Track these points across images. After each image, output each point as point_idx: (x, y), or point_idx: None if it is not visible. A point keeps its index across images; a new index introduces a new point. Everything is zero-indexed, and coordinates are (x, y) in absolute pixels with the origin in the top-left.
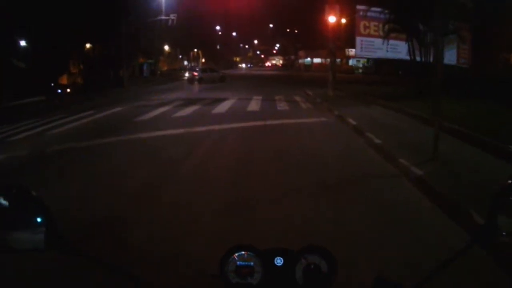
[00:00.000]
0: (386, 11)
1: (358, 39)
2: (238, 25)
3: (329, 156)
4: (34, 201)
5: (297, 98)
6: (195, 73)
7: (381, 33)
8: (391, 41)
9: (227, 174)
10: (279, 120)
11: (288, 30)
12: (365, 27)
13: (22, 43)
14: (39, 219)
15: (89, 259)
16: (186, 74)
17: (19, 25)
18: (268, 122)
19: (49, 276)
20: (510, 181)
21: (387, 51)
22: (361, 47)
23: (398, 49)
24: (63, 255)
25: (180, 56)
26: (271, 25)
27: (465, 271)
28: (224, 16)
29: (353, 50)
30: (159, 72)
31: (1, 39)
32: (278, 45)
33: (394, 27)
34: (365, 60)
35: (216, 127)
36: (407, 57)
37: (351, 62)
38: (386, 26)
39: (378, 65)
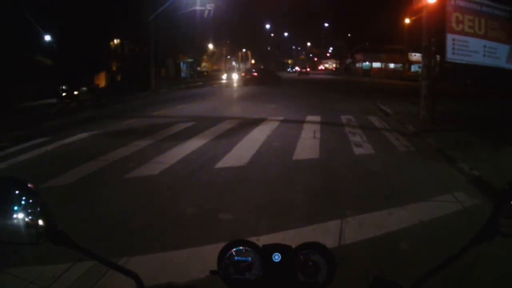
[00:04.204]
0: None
1: (449, 37)
2: (290, 26)
3: None
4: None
5: (375, 122)
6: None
7: (477, 30)
8: (489, 43)
9: None
10: (376, 225)
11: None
12: (458, 22)
13: (47, 37)
14: (16, 207)
15: (86, 253)
16: (224, 76)
17: (42, 17)
18: (355, 249)
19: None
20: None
21: (484, 55)
22: (453, 49)
23: (497, 54)
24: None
25: (229, 57)
26: (326, 24)
27: None
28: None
29: (416, 54)
30: (205, 73)
31: (24, 33)
32: (331, 48)
33: None
34: None
35: None
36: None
37: (413, 68)
38: None
39: (443, 72)
